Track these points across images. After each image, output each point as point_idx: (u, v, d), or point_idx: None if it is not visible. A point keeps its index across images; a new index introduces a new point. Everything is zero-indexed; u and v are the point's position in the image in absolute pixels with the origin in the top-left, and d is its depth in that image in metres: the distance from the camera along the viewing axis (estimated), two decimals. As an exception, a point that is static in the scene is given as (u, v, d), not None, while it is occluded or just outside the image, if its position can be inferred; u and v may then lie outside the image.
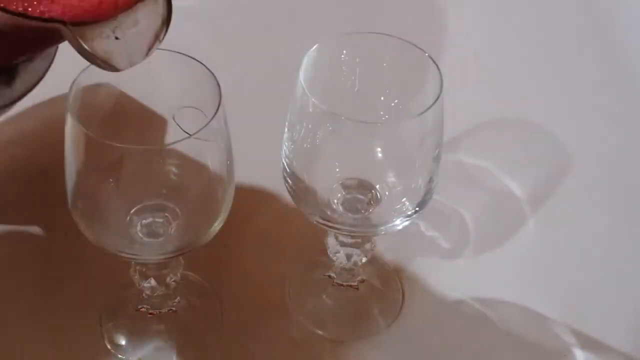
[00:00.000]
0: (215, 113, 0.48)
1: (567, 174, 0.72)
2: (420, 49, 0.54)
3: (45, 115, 0.71)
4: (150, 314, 0.60)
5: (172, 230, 0.55)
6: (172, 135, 0.53)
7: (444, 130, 0.54)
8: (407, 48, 0.54)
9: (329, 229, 0.56)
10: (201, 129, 0.47)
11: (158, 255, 0.54)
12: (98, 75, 0.50)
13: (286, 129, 0.55)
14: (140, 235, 0.54)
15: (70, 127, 0.48)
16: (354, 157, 0.57)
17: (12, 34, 0.47)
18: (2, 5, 0.44)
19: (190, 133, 0.48)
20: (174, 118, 0.54)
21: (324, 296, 0.63)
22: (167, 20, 0.47)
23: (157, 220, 0.55)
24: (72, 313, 0.60)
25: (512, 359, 0.60)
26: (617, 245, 0.68)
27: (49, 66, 0.58)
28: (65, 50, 0.76)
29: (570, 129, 0.76)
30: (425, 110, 0.51)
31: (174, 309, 0.60)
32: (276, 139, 0.57)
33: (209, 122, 0.48)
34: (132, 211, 0.55)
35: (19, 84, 0.56)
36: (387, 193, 0.57)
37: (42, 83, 0.72)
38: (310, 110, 0.52)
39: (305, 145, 0.55)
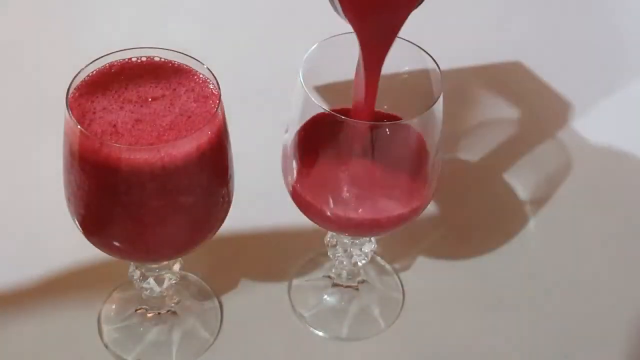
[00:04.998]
0: (215, 112, 0.48)
1: (568, 174, 0.72)
2: (421, 48, 0.53)
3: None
4: (150, 314, 0.60)
5: None
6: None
7: (444, 130, 0.54)
8: (408, 47, 0.54)
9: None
10: (201, 128, 0.47)
11: None
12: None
13: (286, 129, 0.54)
14: None
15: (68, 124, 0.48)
16: (354, 157, 0.57)
17: None
18: None
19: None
20: None
21: (324, 296, 0.63)
22: None
23: None
24: (72, 314, 0.60)
25: (513, 359, 0.60)
26: (617, 245, 0.68)
27: None
28: (65, 50, 0.76)
29: (570, 129, 0.76)
30: (426, 110, 0.51)
31: (173, 309, 0.60)
32: (276, 139, 0.57)
33: (210, 121, 0.48)
34: None
35: None
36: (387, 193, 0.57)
37: (39, 83, 0.72)
38: (311, 110, 0.52)
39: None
